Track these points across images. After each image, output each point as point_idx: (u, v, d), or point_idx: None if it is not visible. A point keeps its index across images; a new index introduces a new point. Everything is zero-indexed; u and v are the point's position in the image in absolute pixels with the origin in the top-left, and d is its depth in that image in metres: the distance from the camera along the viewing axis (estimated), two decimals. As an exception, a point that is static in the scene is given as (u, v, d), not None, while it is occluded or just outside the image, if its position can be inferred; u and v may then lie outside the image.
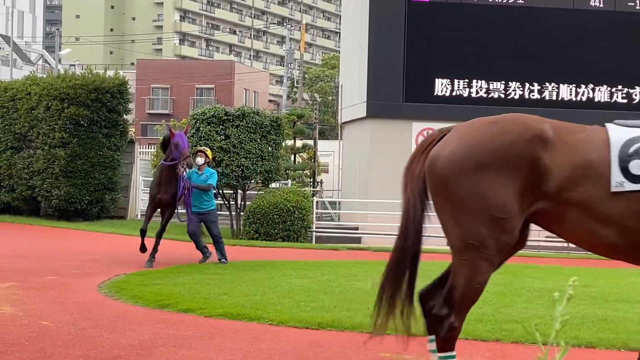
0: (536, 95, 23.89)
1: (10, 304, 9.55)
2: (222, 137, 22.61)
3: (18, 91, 26.79)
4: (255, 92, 68.31)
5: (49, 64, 64.03)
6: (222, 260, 14.63)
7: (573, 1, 23.65)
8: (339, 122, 30.17)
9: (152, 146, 35.01)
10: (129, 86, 27.47)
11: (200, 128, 22.67)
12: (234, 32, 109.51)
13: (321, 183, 36.12)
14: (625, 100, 23.89)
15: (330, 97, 68.00)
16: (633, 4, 23.76)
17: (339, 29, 45.72)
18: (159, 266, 13.56)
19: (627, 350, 7.79)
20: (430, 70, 23.67)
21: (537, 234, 21.15)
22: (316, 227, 23.45)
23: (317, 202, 24.71)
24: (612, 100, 23.87)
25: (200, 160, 14.97)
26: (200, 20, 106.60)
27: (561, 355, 2.17)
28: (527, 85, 23.85)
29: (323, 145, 40.43)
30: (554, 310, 2.37)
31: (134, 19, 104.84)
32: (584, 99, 23.91)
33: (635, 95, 23.93)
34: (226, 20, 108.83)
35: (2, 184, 26.96)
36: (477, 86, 23.86)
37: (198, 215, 14.75)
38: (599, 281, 12.84)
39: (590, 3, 23.69)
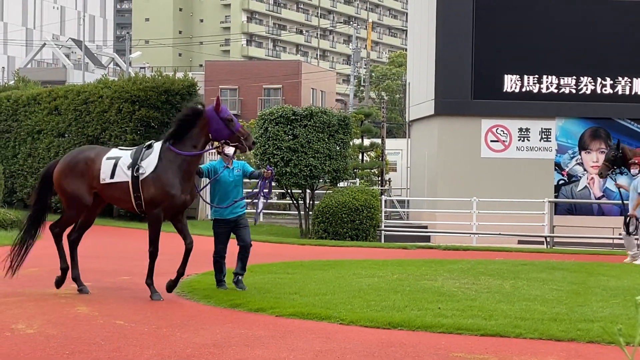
0: (609, 90, 23.51)
1: (86, 304, 9.73)
2: (290, 137, 22.71)
3: (90, 94, 27.19)
4: (322, 91, 68.33)
5: (120, 67, 65.05)
6: (240, 277, 10.80)
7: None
8: (407, 120, 30.12)
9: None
10: (197, 88, 27.71)
11: (269, 128, 22.80)
12: (301, 32, 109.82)
13: (389, 182, 36.04)
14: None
15: (398, 95, 67.71)
16: None
17: (406, 27, 45.53)
18: (231, 265, 13.66)
19: None
20: (499, 66, 23.48)
21: (611, 231, 21.00)
22: (385, 226, 23.43)
23: (385, 201, 24.68)
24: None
25: (230, 150, 10.41)
26: (267, 21, 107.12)
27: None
28: (599, 79, 23.48)
29: (391, 144, 40.30)
30: (632, 311, 2.34)
31: (201, 21, 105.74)
32: (659, 93, 23.48)
33: None
34: (292, 20, 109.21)
35: (75, 185, 27.35)
36: (547, 82, 23.60)
37: (228, 224, 10.74)
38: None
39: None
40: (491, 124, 23.72)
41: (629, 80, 23.44)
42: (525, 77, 23.61)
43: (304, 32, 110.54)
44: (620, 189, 16.55)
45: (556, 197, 23.09)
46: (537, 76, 23.59)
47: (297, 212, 23.58)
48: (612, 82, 23.51)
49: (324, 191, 23.76)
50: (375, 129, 39.63)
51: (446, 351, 7.44)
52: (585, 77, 23.49)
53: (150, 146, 9.83)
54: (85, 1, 71.13)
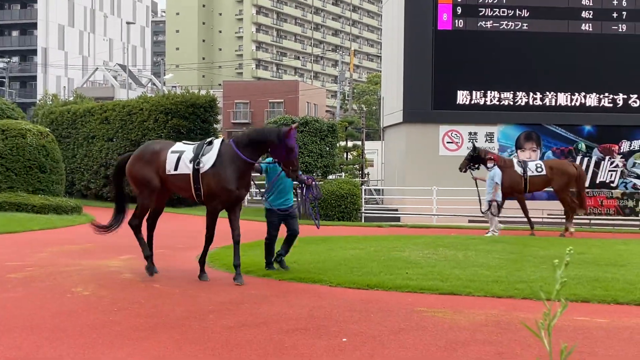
0: (539, 102, 23.54)
1: (130, 272, 9.74)
2: (290, 140, 22.72)
3: (133, 107, 27.27)
4: (315, 104, 68.33)
5: (156, 86, 64.92)
6: (283, 257, 10.01)
7: (567, 26, 23.27)
8: (382, 126, 30.06)
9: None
10: (217, 102, 27.87)
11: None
12: (298, 58, 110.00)
13: (368, 175, 36.08)
14: (611, 105, 23.44)
15: (374, 107, 67.71)
16: (616, 27, 23.29)
17: (380, 54, 45.56)
18: (244, 241, 13.64)
19: (615, 304, 7.68)
20: (453, 84, 23.48)
21: (541, 212, 20.97)
22: (364, 209, 23.46)
23: (365, 190, 24.73)
24: (600, 105, 23.43)
25: None
26: (271, 49, 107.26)
27: (562, 310, 2.14)
28: (531, 94, 23.51)
29: (369, 145, 40.44)
30: (555, 273, 2.34)
31: (220, 49, 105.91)
32: (578, 104, 23.50)
33: (619, 100, 23.45)
34: (292, 49, 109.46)
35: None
36: (491, 96, 23.60)
37: (280, 214, 9.92)
38: (591, 249, 12.63)
39: (582, 27, 23.28)
40: (447, 129, 23.74)
41: (555, 94, 23.46)
42: (474, 92, 23.60)
43: (301, 58, 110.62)
44: (477, 180, 16.70)
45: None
46: (483, 91, 23.58)
47: (296, 199, 23.60)
48: (541, 95, 23.52)
49: (317, 182, 23.78)
50: (357, 134, 39.67)
51: (412, 306, 7.47)
52: (521, 92, 23.50)
53: (210, 143, 8.93)
54: (128, 34, 70.81)
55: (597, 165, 23.29)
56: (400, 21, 24.18)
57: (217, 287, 8.48)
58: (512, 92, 23.53)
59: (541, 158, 23.45)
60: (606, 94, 23.41)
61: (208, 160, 8.70)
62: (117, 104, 28.73)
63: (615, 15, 23.36)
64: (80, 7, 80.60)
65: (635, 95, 23.42)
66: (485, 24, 23.45)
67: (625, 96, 23.44)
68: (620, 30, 23.32)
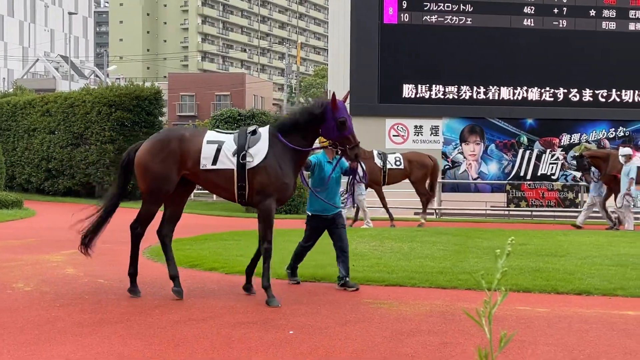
0: (482, 96, 23.93)
1: (73, 267, 9.59)
2: (237, 133, 22.63)
3: (75, 100, 26.83)
4: (262, 97, 68.13)
5: (99, 78, 63.77)
6: (345, 277, 8.09)
7: (510, 21, 23.69)
8: (328, 119, 30.10)
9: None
10: (162, 94, 27.61)
11: (219, 126, 22.75)
12: (245, 50, 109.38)
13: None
14: (552, 99, 23.97)
15: (321, 100, 67.88)
16: (557, 22, 23.79)
17: (327, 47, 45.59)
18: (190, 234, 13.56)
19: (555, 294, 7.87)
20: (399, 78, 23.69)
21: (484, 204, 21.31)
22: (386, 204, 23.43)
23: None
24: (542, 99, 23.94)
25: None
26: (218, 42, 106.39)
27: (502, 298, 2.20)
28: (474, 88, 23.88)
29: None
30: (496, 264, 2.40)
31: (165, 41, 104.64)
32: (520, 98, 23.96)
33: (560, 95, 23.99)
34: (238, 41, 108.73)
35: (64, 173, 27.05)
36: (436, 90, 23.87)
37: (325, 221, 8.32)
38: (533, 240, 12.92)
39: (524, 22, 23.73)
40: (393, 122, 23.94)
41: (498, 88, 23.86)
42: (419, 86, 23.85)
43: (247, 50, 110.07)
44: None
45: (443, 178, 23.43)
46: (428, 85, 23.84)
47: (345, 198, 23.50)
48: (484, 90, 23.90)
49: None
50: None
51: (359, 298, 7.53)
52: (465, 86, 23.83)
53: (255, 132, 7.26)
54: (70, 25, 69.36)
55: (539, 158, 23.79)
56: (347, 15, 24.24)
57: (162, 281, 8.39)
58: (456, 86, 23.84)
59: (485, 151, 23.90)
60: (547, 89, 23.92)
61: (258, 153, 7.09)
62: (59, 96, 28.22)
63: (556, 11, 23.86)
64: (20, -4, 78.90)
65: (575, 90, 23.98)
66: (430, 19, 23.69)
67: (565, 91, 23.99)
68: (560, 25, 23.84)
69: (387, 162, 16.97)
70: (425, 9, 23.68)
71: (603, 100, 24.09)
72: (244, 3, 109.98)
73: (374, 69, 23.54)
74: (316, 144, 7.74)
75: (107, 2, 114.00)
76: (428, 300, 7.43)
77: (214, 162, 7.12)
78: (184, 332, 5.96)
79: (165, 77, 75.10)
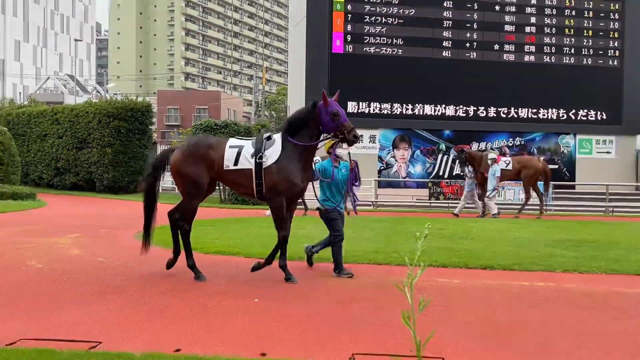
0: (410, 112, 24.15)
1: (78, 248, 9.39)
2: (213, 139, 22.45)
3: (80, 111, 26.30)
4: (234, 110, 67.53)
5: (100, 93, 62.56)
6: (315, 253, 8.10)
7: (432, 53, 23.96)
8: (288, 129, 30.04)
9: (169, 145, 34.58)
10: (152, 107, 27.25)
11: (199, 134, 22.53)
12: (220, 73, 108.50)
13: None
14: (464, 114, 24.32)
15: (282, 114, 67.63)
16: (469, 54, 24.15)
17: (287, 71, 45.57)
18: (161, 222, 13.33)
19: (467, 268, 7.99)
20: (345, 96, 23.56)
21: (411, 198, 21.43)
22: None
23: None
24: (456, 114, 24.28)
25: (343, 152, 7.51)
26: (198, 65, 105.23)
27: (420, 272, 2.23)
28: (404, 105, 24.09)
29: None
30: (417, 244, 2.43)
31: (155, 64, 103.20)
32: (439, 113, 24.25)
33: (471, 111, 24.37)
34: (215, 65, 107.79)
35: (70, 170, 26.48)
36: (373, 106, 24.00)
37: (339, 212, 7.80)
38: (449, 226, 13.10)
39: (443, 54, 24.03)
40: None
41: (422, 106, 24.11)
42: (361, 103, 23.95)
43: (222, 72, 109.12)
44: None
45: (379, 177, 23.59)
46: (367, 102, 23.96)
47: (218, 187, 23.30)
48: (412, 106, 24.14)
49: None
50: (268, 135, 39.45)
51: (314, 273, 7.54)
52: (397, 104, 24.02)
53: (270, 137, 7.04)
54: (76, 49, 67.94)
55: (454, 161, 24.11)
56: (303, 45, 24.21)
57: (151, 259, 8.27)
58: (389, 103, 24.01)
59: (412, 155, 24.15)
60: (461, 106, 24.26)
61: (272, 155, 6.90)
62: (66, 108, 27.60)
63: (468, 45, 24.23)
64: (35, 25, 77.28)
65: (483, 107, 24.38)
66: (369, 50, 23.81)
67: (475, 108, 24.37)
68: (471, 57, 24.21)
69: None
70: (365, 41, 23.80)
71: (504, 116, 24.56)
72: (220, 34, 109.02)
73: (325, 89, 23.52)
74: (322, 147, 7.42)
75: (107, 31, 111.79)
76: (367, 274, 7.47)
77: (236, 163, 6.94)
78: (168, 301, 5.89)
79: (155, 93, 73.82)
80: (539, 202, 17.75)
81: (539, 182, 17.65)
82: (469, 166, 17.10)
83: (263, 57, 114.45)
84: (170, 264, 7.37)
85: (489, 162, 16.62)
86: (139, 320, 5.16)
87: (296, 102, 26.58)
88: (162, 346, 4.37)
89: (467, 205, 17.72)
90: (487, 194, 16.60)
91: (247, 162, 6.92)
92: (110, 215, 15.85)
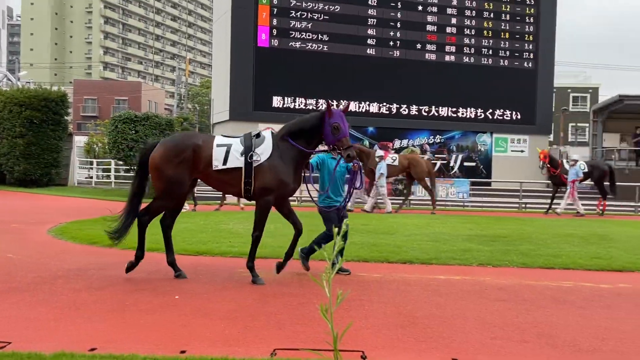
0: (335, 108, 24.37)
1: (-15, 244, 8.92)
2: (133, 132, 21.86)
3: (-11, 100, 24.90)
4: (155, 102, 65.93)
5: (11, 81, 59.44)
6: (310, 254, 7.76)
7: (357, 50, 24.28)
8: (212, 122, 29.66)
9: (86, 137, 33.37)
10: (67, 97, 26.16)
11: (118, 126, 21.91)
12: (141, 63, 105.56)
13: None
14: (387, 112, 24.81)
15: (206, 107, 66.59)
16: (392, 53, 24.63)
17: (211, 63, 44.92)
18: (90, 217, 12.93)
19: (387, 263, 8.18)
20: (270, 91, 23.70)
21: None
22: (196, 190, 22.98)
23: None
24: (380, 112, 24.72)
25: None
26: (118, 55, 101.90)
27: (338, 265, 2.27)
28: (329, 101, 24.27)
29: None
30: (341, 241, 2.47)
31: (71, 52, 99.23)
32: (364, 110, 24.62)
33: (394, 109, 24.88)
34: (136, 55, 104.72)
35: (-23, 162, 25.03)
36: (299, 101, 24.07)
37: (337, 210, 7.51)
38: (372, 222, 13.33)
39: (367, 51, 24.40)
40: (264, 127, 23.84)
41: (347, 102, 24.39)
42: (286, 97, 23.96)
43: (143, 63, 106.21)
44: None
45: (304, 173, 23.70)
46: (293, 98, 24.01)
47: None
48: (337, 102, 24.30)
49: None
50: (191, 128, 38.87)
51: (234, 269, 7.49)
52: (322, 100, 24.19)
53: (258, 135, 6.86)
54: (-15, 34, 64.35)
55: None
56: (227, 38, 23.95)
57: (65, 256, 7.98)
58: (315, 99, 24.16)
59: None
60: (384, 104, 24.74)
61: (263, 153, 6.67)
62: (-26, 96, 26.00)
63: (391, 43, 24.72)
64: (-62, 7, 72.32)
65: (405, 105, 24.95)
66: (295, 45, 23.85)
67: (397, 106, 24.91)
68: (395, 55, 24.71)
69: None
70: (291, 36, 23.82)
71: (425, 114, 25.24)
72: (141, 23, 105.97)
73: (249, 83, 23.42)
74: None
75: (19, 16, 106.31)
76: (290, 269, 7.49)
77: (225, 162, 6.67)
78: (84, 298, 5.70)
79: (71, 82, 70.96)
80: (430, 198, 18.43)
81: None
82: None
83: (186, 49, 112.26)
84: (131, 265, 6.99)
85: (377, 158, 17.25)
86: (51, 319, 4.96)
87: (220, 95, 26.27)
88: (77, 345, 4.22)
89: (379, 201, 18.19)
90: (374, 189, 17.27)
91: (236, 161, 6.68)
92: (22, 209, 15.12)
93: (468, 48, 25.59)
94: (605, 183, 18.90)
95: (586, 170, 18.58)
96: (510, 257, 8.73)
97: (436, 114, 25.26)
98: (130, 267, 6.86)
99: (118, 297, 5.78)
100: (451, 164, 25.70)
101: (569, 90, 53.37)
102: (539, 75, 26.16)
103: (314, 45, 23.97)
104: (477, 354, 4.24)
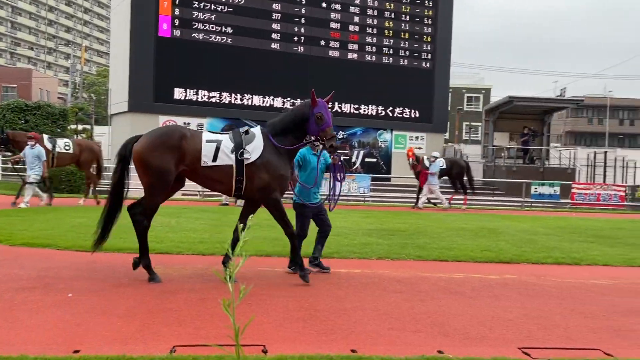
0: (239, 102, 24.22)
1: None
2: (23, 122, 20.64)
3: None
4: (48, 91, 62.47)
5: None
6: (319, 258, 7.44)
7: (261, 44, 24.23)
8: (109, 113, 28.57)
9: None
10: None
11: (6, 115, 20.59)
12: (32, 49, 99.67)
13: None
14: (292, 107, 24.95)
15: (103, 97, 63.97)
16: (296, 48, 24.77)
17: (109, 51, 43.14)
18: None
19: (287, 257, 8.24)
20: (172, 82, 23.19)
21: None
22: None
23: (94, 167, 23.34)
24: (284, 106, 24.83)
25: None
26: (6, 39, 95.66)
27: (242, 261, 2.29)
28: (233, 95, 24.10)
29: (97, 129, 38.14)
30: (240, 234, 2.48)
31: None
32: (268, 105, 24.63)
33: (298, 103, 25.04)
34: (26, 40, 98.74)
35: None
36: (202, 94, 23.71)
37: (313, 209, 7.24)
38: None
39: (271, 46, 24.39)
40: (165, 119, 23.35)
41: (251, 96, 24.33)
42: (188, 90, 23.52)
43: (35, 49, 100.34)
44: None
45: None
46: (195, 90, 23.60)
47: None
48: (241, 96, 24.24)
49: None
50: (87, 119, 37.31)
51: (131, 264, 7.27)
52: (225, 93, 23.97)
53: (247, 132, 6.63)
54: None
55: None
56: (127, 26, 23.15)
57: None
58: (218, 92, 23.88)
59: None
60: (288, 99, 24.85)
61: (254, 151, 6.45)
62: None
63: (295, 39, 24.85)
64: None
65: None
66: (198, 36, 23.44)
67: (301, 101, 25.09)
68: (299, 50, 24.87)
69: (57, 145, 15.42)
70: (194, 27, 23.39)
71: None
72: (32, 7, 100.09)
73: (150, 74, 22.78)
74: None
75: None
76: (190, 264, 7.40)
77: (214, 159, 6.39)
78: (-33, 298, 5.35)
79: (-48, 67, 66.06)
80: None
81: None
82: None
83: (82, 36, 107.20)
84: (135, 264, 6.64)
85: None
86: None
87: (119, 85, 25.36)
88: (-42, 349, 3.96)
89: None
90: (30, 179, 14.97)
91: (227, 158, 6.42)
92: None
93: (370, 47, 26.21)
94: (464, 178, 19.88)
95: (445, 166, 19.40)
96: (407, 251, 9.07)
97: (339, 110, 25.69)
98: (153, 279, 6.40)
99: (6, 295, 5.48)
100: (353, 160, 26.25)
101: (464, 91, 55.98)
102: (436, 75, 27.24)
103: (217, 37, 23.67)
104: (374, 345, 4.39)
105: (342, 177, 7.27)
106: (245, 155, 6.43)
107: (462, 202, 19.98)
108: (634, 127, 66.60)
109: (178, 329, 4.60)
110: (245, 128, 6.77)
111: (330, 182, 7.25)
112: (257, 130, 6.71)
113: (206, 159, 6.40)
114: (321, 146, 6.74)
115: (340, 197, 7.60)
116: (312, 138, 6.75)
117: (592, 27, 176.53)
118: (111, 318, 4.86)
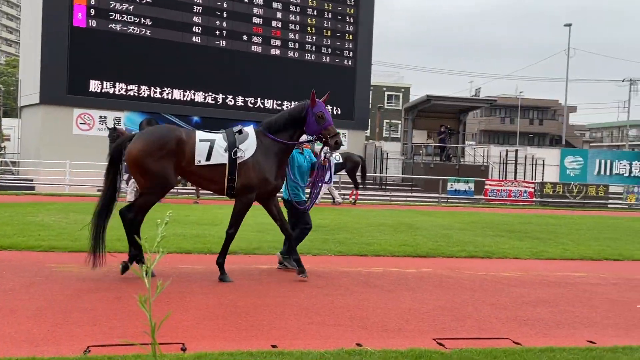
0: (158, 95, 23.68)
1: None
2: None
3: None
4: (-50, 80, 58.77)
5: None
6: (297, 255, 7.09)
7: (182, 37, 23.78)
8: (19, 105, 27.20)
9: None
10: None
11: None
12: None
13: (4, 148, 32.34)
14: (213, 102, 24.64)
15: (12, 88, 60.79)
16: (218, 42, 24.47)
17: (19, 40, 41.03)
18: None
19: (211, 254, 8.16)
20: (87, 73, 22.38)
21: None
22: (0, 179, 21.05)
23: (1, 162, 22.24)
24: (205, 101, 24.49)
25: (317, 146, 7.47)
26: None
27: (158, 257, 2.26)
28: (152, 88, 23.54)
29: (6, 122, 36.22)
30: (157, 230, 2.44)
31: None
32: (188, 99, 24.22)
33: (220, 99, 24.77)
34: None
35: None
36: (119, 87, 23.02)
37: (304, 204, 7.46)
38: (195, 212, 13.15)
39: (193, 39, 24.00)
40: (80, 112, 22.52)
41: (171, 90, 23.83)
42: (105, 82, 22.76)
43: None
44: None
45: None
46: (112, 82, 22.87)
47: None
48: (160, 90, 23.68)
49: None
50: (-6, 111, 35.35)
51: (43, 263, 6.99)
52: (144, 86, 23.35)
53: (240, 131, 6.65)
54: None
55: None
56: (39, 15, 22.12)
57: None
58: (137, 85, 23.25)
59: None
60: (210, 93, 24.53)
61: (247, 149, 6.49)
62: None
63: (217, 33, 24.55)
64: None
65: (231, 96, 24.97)
66: (115, 27, 22.71)
67: (224, 96, 24.84)
68: (221, 45, 24.59)
69: None
70: (110, 17, 22.65)
71: (251, 105, 25.47)
72: None
73: (63, 65, 21.89)
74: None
75: None
76: (107, 263, 7.17)
77: (208, 158, 6.38)
78: None
79: None
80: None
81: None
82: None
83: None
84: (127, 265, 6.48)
85: None
86: None
87: (30, 76, 24.19)
88: None
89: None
90: None
91: (220, 157, 6.43)
92: None
93: (292, 43, 26.26)
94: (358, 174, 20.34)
95: (340, 161, 19.77)
96: (328, 246, 9.18)
97: (262, 106, 25.60)
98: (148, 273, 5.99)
99: None
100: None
101: (384, 89, 57.11)
102: (358, 73, 27.64)
103: (136, 29, 23.03)
104: (294, 339, 4.43)
105: (330, 177, 7.27)
106: (239, 154, 6.48)
107: (354, 197, 20.29)
108: (543, 126, 70.23)
109: (92, 329, 4.46)
110: (239, 127, 6.80)
111: (316, 181, 7.27)
112: (250, 129, 6.77)
113: (200, 158, 6.42)
114: (321, 145, 6.79)
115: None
116: (311, 138, 6.84)
117: (507, 28, 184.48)
118: (20, 318, 4.65)
